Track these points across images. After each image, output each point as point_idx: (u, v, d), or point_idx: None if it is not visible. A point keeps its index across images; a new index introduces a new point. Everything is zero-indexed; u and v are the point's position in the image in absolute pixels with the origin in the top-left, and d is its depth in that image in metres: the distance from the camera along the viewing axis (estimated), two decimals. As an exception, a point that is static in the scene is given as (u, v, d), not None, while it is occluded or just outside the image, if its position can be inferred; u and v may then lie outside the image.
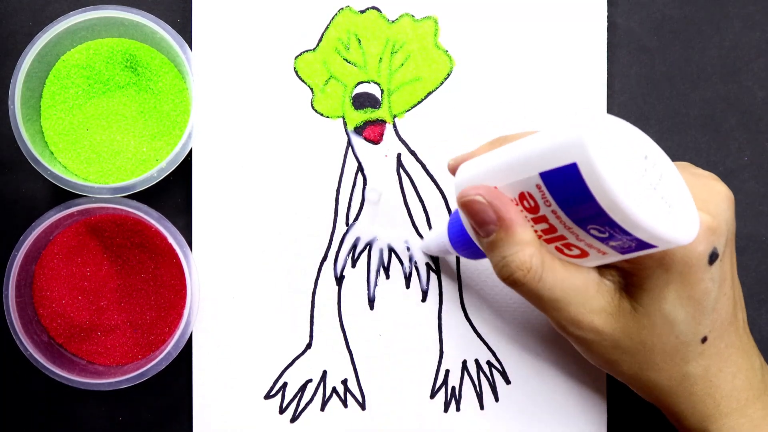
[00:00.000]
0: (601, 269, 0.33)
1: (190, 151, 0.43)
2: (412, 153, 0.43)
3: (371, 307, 0.43)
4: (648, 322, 0.33)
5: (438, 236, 0.40)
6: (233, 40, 0.43)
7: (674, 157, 0.44)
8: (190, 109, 0.43)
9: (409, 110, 0.43)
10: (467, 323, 0.43)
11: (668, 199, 0.29)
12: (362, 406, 0.43)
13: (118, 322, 0.43)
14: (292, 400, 0.43)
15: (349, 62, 0.43)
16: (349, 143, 0.43)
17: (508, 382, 0.43)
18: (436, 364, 0.43)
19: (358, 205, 0.43)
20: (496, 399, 0.43)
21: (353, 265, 0.43)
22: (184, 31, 0.44)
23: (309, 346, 0.43)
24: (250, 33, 0.43)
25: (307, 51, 0.43)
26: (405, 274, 0.43)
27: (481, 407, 0.43)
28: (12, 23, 0.44)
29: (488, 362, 0.43)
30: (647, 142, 0.30)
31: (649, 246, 0.29)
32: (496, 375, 0.43)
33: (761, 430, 0.35)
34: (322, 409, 0.43)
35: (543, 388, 0.42)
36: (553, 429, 0.42)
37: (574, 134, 0.27)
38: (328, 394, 0.43)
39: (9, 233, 0.43)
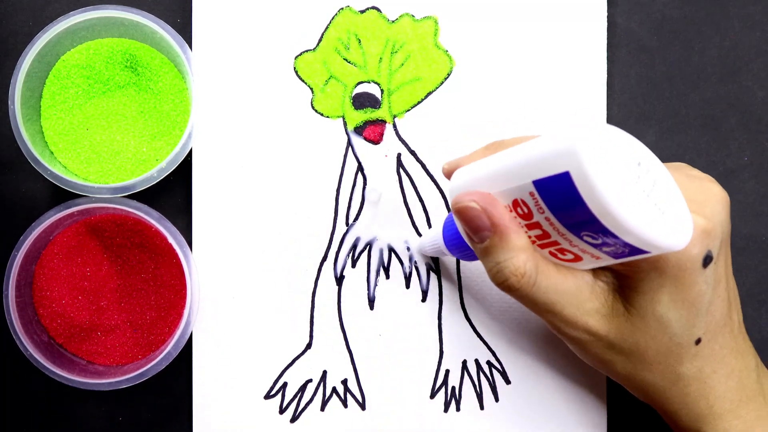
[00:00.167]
0: (595, 271, 0.33)
1: (190, 151, 0.43)
2: (412, 153, 0.43)
3: (371, 307, 0.43)
4: (641, 323, 0.33)
5: (433, 238, 0.40)
6: (233, 40, 0.43)
7: (674, 158, 0.44)
8: (190, 109, 0.43)
9: (409, 110, 0.43)
10: (467, 323, 0.43)
11: (661, 206, 0.29)
12: (362, 406, 0.43)
13: (118, 322, 0.43)
14: (292, 400, 0.43)
15: (349, 62, 0.43)
16: (349, 143, 0.43)
17: (508, 382, 0.43)
18: (436, 364, 0.43)
19: (358, 205, 0.43)
20: (496, 399, 0.43)
21: (353, 265, 0.43)
22: (184, 31, 0.44)
23: (309, 346, 0.43)
24: (250, 33, 0.43)
25: (307, 51, 0.43)
26: (405, 274, 0.43)
27: (481, 407, 0.43)
28: (12, 23, 0.44)
29: (488, 362, 0.43)
30: (641, 148, 0.30)
31: (642, 252, 0.29)
32: (496, 375, 0.43)
33: None
34: (322, 409, 0.43)
35: (543, 388, 0.42)
36: (553, 429, 0.42)
37: (567, 143, 0.27)
38: (328, 394, 0.43)
39: (9, 233, 0.43)
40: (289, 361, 0.43)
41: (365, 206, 0.43)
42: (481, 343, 0.43)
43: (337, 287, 0.43)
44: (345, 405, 0.43)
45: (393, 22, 0.43)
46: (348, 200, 0.43)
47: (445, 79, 0.43)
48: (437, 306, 0.43)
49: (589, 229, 0.28)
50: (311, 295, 0.43)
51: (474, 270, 0.43)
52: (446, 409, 0.43)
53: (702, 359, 0.34)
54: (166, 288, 0.43)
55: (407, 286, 0.43)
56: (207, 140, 0.43)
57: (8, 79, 0.43)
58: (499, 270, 0.31)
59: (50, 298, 0.42)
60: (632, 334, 0.33)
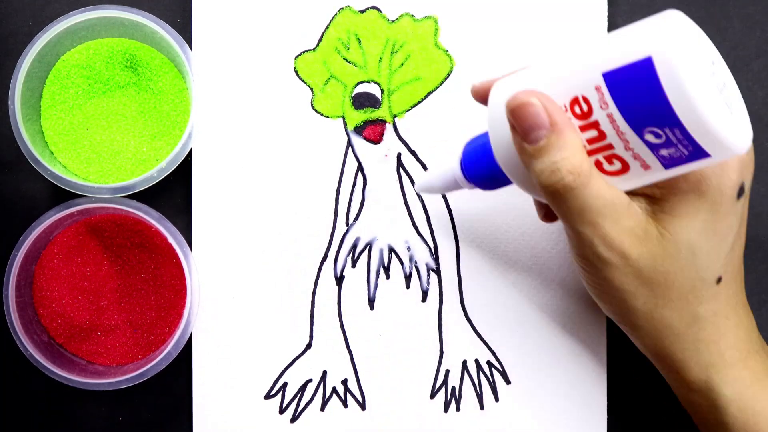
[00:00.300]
0: (630, 195, 0.33)
1: (190, 151, 0.43)
2: (412, 153, 0.43)
3: (371, 307, 0.43)
4: (674, 250, 0.33)
5: (446, 168, 0.37)
6: (233, 40, 0.43)
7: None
8: (190, 109, 0.43)
9: (409, 110, 0.43)
10: (467, 323, 0.43)
11: (730, 106, 0.28)
12: (362, 406, 0.43)
13: (118, 322, 0.43)
14: (292, 400, 0.43)
15: (349, 62, 0.43)
16: (349, 143, 0.43)
17: (508, 382, 0.43)
18: (436, 364, 0.43)
19: (358, 205, 0.43)
20: (496, 399, 0.43)
21: (353, 265, 0.43)
22: (184, 31, 0.44)
23: (309, 346, 0.43)
24: (250, 33, 0.43)
25: (307, 51, 0.43)
26: (405, 274, 0.43)
27: (481, 407, 0.43)
28: (12, 23, 0.44)
29: (488, 362, 0.43)
30: (713, 50, 0.29)
31: (701, 155, 0.28)
32: (496, 375, 0.43)
33: (762, 383, 0.35)
34: (322, 409, 0.43)
35: (543, 388, 0.42)
36: (553, 429, 0.42)
37: (651, 29, 0.27)
38: (328, 394, 0.43)
39: (9, 233, 0.43)
40: (289, 361, 0.43)
41: (365, 206, 0.43)
42: (481, 343, 0.43)
43: (337, 287, 0.43)
44: (345, 405, 0.43)
45: (393, 22, 0.43)
46: (348, 200, 0.43)
47: (445, 79, 0.43)
48: (437, 306, 0.43)
49: (657, 123, 0.28)
50: (311, 295, 0.43)
51: (474, 270, 0.43)
52: (446, 409, 0.43)
53: (719, 302, 0.34)
54: (166, 288, 0.43)
55: (407, 286, 0.43)
56: (207, 140, 0.43)
57: (8, 79, 0.43)
58: (555, 169, 0.31)
59: (50, 298, 0.42)
60: (663, 261, 0.33)
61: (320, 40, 0.43)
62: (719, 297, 0.34)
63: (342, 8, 0.43)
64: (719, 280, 0.34)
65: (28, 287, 0.42)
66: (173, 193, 0.44)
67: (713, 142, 0.28)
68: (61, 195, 0.43)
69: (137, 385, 0.41)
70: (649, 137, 0.28)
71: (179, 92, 0.43)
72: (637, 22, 0.29)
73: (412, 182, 0.43)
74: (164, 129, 0.43)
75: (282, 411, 0.43)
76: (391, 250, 0.43)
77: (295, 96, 0.43)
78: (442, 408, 0.43)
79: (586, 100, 0.29)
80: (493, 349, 0.43)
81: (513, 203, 0.43)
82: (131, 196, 0.42)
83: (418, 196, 0.43)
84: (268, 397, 0.43)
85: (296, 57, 0.43)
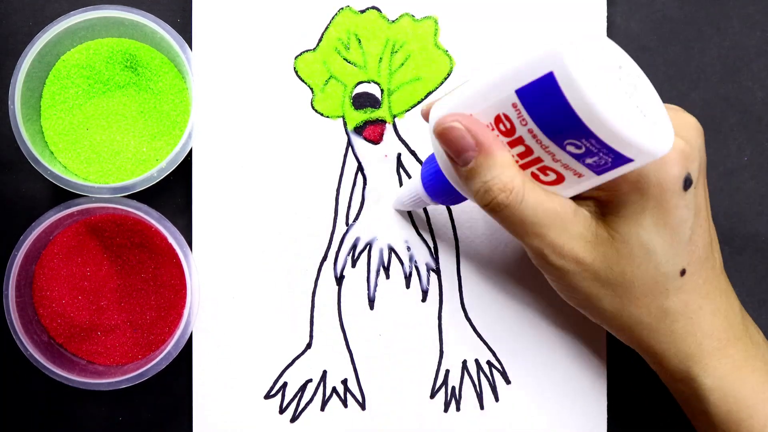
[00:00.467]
0: (577, 199, 0.33)
1: (190, 151, 0.43)
2: (412, 153, 0.43)
3: (371, 307, 0.43)
4: (626, 250, 0.33)
5: (412, 186, 0.39)
6: (233, 40, 0.43)
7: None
8: (190, 109, 0.43)
9: (409, 110, 0.43)
10: (467, 323, 0.43)
11: (643, 109, 0.29)
12: (362, 406, 0.43)
13: (118, 322, 0.43)
14: (292, 400, 0.43)
15: (349, 62, 0.43)
16: (349, 143, 0.43)
17: (508, 382, 0.43)
18: (436, 364, 0.43)
19: (358, 205, 0.43)
20: (496, 399, 0.43)
21: (353, 265, 0.43)
22: (184, 31, 0.44)
23: (309, 346, 0.43)
24: (250, 33, 0.43)
25: (307, 51, 0.43)
26: (405, 274, 0.43)
27: (481, 407, 0.43)
28: (12, 23, 0.44)
29: (488, 362, 0.43)
30: (621, 54, 0.30)
31: (624, 160, 0.29)
32: (496, 375, 0.43)
33: (743, 371, 0.35)
34: (322, 409, 0.43)
35: (543, 388, 0.42)
36: (553, 429, 0.42)
37: (550, 46, 0.27)
38: (328, 394, 0.43)
39: (9, 233, 0.43)
40: (289, 361, 0.43)
41: (365, 206, 0.43)
42: (481, 343, 0.43)
43: (337, 287, 0.43)
44: (345, 405, 0.43)
45: (393, 22, 0.43)
46: (348, 200, 0.43)
47: (445, 79, 0.43)
48: (437, 306, 0.43)
49: (572, 135, 0.28)
50: (311, 295, 0.43)
51: (474, 270, 0.43)
52: (446, 409, 0.43)
53: (687, 293, 0.34)
54: (166, 288, 0.43)
55: (407, 286, 0.43)
56: (207, 140, 0.43)
57: (8, 79, 0.43)
58: (487, 189, 0.31)
59: (50, 298, 0.42)
60: (618, 262, 0.33)
61: (320, 40, 0.43)
62: (686, 288, 0.34)
63: (342, 8, 0.43)
64: (683, 272, 0.33)
65: (28, 287, 0.42)
66: (173, 193, 0.44)
67: (629, 148, 0.28)
68: (61, 195, 0.43)
69: (137, 385, 0.41)
70: (571, 148, 0.29)
71: (179, 92, 0.43)
72: (547, 38, 0.30)
73: (412, 182, 0.43)
74: (164, 129, 0.43)
75: (282, 411, 0.43)
76: (391, 250, 0.43)
77: (295, 96, 0.43)
78: (442, 408, 0.43)
79: (507, 117, 0.30)
80: (493, 349, 0.43)
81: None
82: (131, 196, 0.42)
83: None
84: (268, 397, 0.43)
85: (296, 57, 0.43)
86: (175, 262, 0.42)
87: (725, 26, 0.44)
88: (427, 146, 0.43)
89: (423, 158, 0.43)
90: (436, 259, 0.43)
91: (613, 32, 0.44)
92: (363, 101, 0.43)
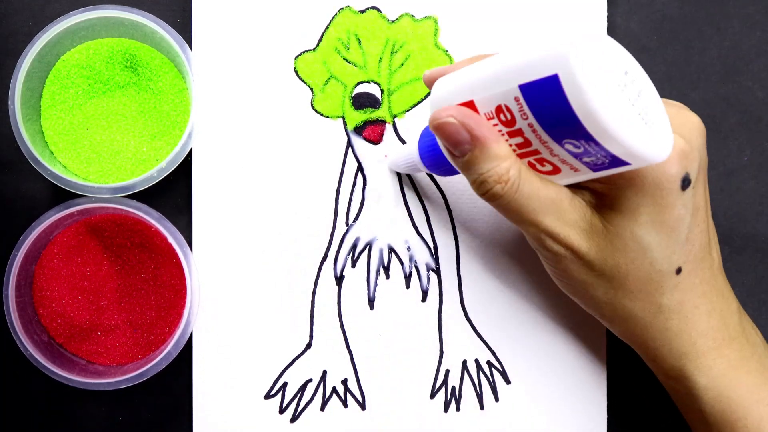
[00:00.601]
0: (573, 188, 0.33)
1: (190, 151, 0.43)
2: (412, 153, 0.43)
3: (371, 307, 0.43)
4: (621, 244, 0.33)
5: (408, 152, 0.39)
6: (233, 40, 0.43)
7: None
8: (190, 109, 0.43)
9: (409, 110, 0.43)
10: (467, 323, 0.43)
11: (645, 116, 0.29)
12: (362, 406, 0.43)
13: (118, 322, 0.43)
14: (292, 400, 0.43)
15: (349, 62, 0.43)
16: (349, 143, 0.43)
17: (508, 382, 0.43)
18: (436, 364, 0.43)
19: (358, 205, 0.43)
20: (496, 399, 0.43)
21: (353, 265, 0.43)
22: (184, 31, 0.44)
23: (309, 346, 0.43)
24: (250, 33, 0.43)
25: (307, 51, 0.43)
26: (405, 274, 0.43)
27: (481, 407, 0.43)
28: (12, 23, 0.44)
29: (488, 362, 0.43)
30: (629, 58, 0.30)
31: (621, 163, 0.29)
32: (496, 375, 0.43)
33: (738, 372, 0.35)
34: (322, 409, 0.43)
35: (543, 388, 0.42)
36: (553, 429, 0.42)
37: (558, 47, 0.27)
38: (328, 394, 0.43)
39: (9, 233, 0.43)
40: (289, 361, 0.43)
41: (365, 206, 0.43)
42: (481, 343, 0.43)
43: (337, 287, 0.43)
44: (345, 405, 0.43)
45: (393, 22, 0.43)
46: (348, 200, 0.43)
47: (445, 79, 0.43)
48: (437, 306, 0.43)
49: (571, 136, 0.28)
50: (311, 295, 0.43)
51: (474, 270, 0.43)
52: (446, 409, 0.43)
53: (683, 292, 0.34)
54: (166, 288, 0.43)
55: (407, 286, 0.43)
56: (207, 140, 0.43)
57: (8, 79, 0.43)
58: (483, 180, 0.32)
59: (50, 298, 0.42)
60: (612, 254, 0.33)
61: (320, 40, 0.43)
62: (682, 287, 0.34)
63: (342, 8, 0.43)
64: (679, 270, 0.33)
65: (28, 287, 0.42)
66: (173, 193, 0.44)
67: (627, 154, 0.28)
68: (61, 195, 0.43)
69: (137, 385, 0.41)
70: (569, 147, 0.29)
71: (179, 92, 0.43)
72: (554, 35, 0.30)
73: (412, 182, 0.43)
74: (164, 129, 0.43)
75: (282, 411, 0.43)
76: (391, 250, 0.43)
77: (295, 96, 0.43)
78: (442, 408, 0.43)
79: (508, 108, 0.30)
80: (493, 349, 0.43)
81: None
82: (131, 196, 0.42)
83: (418, 196, 0.43)
84: (268, 397, 0.43)
85: (296, 57, 0.43)
86: (175, 262, 0.42)
87: (725, 26, 0.44)
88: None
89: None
90: (436, 259, 0.43)
91: (613, 32, 0.44)
92: (363, 101, 0.43)
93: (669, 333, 0.35)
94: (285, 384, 0.43)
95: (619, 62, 0.29)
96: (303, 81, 0.43)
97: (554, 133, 0.29)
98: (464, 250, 0.43)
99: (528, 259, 0.43)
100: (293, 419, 0.43)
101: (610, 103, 0.27)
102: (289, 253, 0.43)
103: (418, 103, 0.43)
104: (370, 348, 0.43)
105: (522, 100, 0.29)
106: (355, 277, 0.43)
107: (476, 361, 0.43)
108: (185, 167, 0.43)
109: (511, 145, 0.31)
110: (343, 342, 0.43)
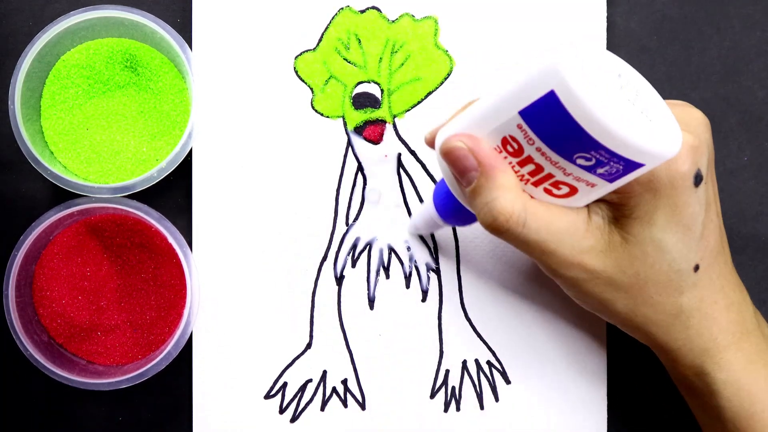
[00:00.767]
0: (589, 208, 0.33)
1: (190, 151, 0.43)
2: (412, 153, 0.43)
3: (371, 307, 0.43)
4: (640, 252, 0.33)
5: (425, 209, 0.39)
6: (233, 40, 0.43)
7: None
8: (190, 109, 0.43)
9: (409, 110, 0.43)
10: (467, 323, 0.43)
11: (648, 114, 0.29)
12: (362, 406, 0.43)
13: (118, 322, 0.43)
14: (292, 400, 0.43)
15: (349, 62, 0.43)
16: (349, 143, 0.43)
17: (508, 382, 0.43)
18: (436, 364, 0.43)
19: (358, 205, 0.43)
20: (496, 399, 0.43)
21: (353, 265, 0.43)
22: (184, 31, 0.44)
23: (309, 346, 0.43)
24: (250, 33, 0.43)
25: (307, 51, 0.43)
26: (405, 274, 0.43)
27: (481, 407, 0.43)
28: (12, 23, 0.44)
29: (488, 362, 0.43)
30: (618, 61, 0.30)
31: (635, 166, 0.29)
32: (496, 375, 0.43)
33: (756, 365, 0.35)
34: (322, 409, 0.43)
35: (543, 388, 0.42)
36: (553, 429, 0.42)
37: (546, 64, 0.27)
38: (328, 394, 0.43)
39: (9, 233, 0.43)
40: (289, 361, 0.43)
41: (365, 206, 0.43)
42: (481, 343, 0.43)
43: (337, 287, 0.43)
44: (345, 405, 0.43)
45: (393, 22, 0.43)
46: (348, 200, 0.43)
47: (445, 79, 0.43)
48: (437, 306, 0.43)
49: (581, 149, 0.28)
50: (311, 295, 0.43)
51: (474, 270, 0.43)
52: (446, 409, 0.43)
53: (702, 288, 0.34)
54: (166, 288, 0.43)
55: (407, 286, 0.43)
56: (207, 140, 0.43)
57: (8, 79, 0.43)
58: (487, 211, 0.31)
59: (50, 298, 0.42)
60: (631, 264, 0.33)
61: (320, 40, 0.43)
62: (701, 284, 0.34)
63: (342, 8, 0.43)
64: (696, 267, 0.34)
65: (28, 287, 0.42)
66: (173, 193, 0.44)
67: (639, 154, 0.28)
68: (61, 195, 0.43)
69: (137, 385, 0.41)
70: (581, 161, 0.29)
71: (179, 92, 0.43)
72: (541, 53, 0.30)
73: (412, 182, 0.43)
74: (164, 129, 0.43)
75: (282, 411, 0.43)
76: (391, 250, 0.43)
77: (295, 96, 0.43)
78: (442, 408, 0.43)
79: (513, 138, 0.30)
80: (493, 349, 0.43)
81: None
82: (131, 196, 0.42)
83: (418, 196, 0.43)
84: (268, 397, 0.43)
85: (296, 57, 0.43)
86: (175, 262, 0.42)
87: (725, 26, 0.44)
88: (427, 147, 0.43)
89: (423, 158, 0.43)
90: (436, 259, 0.43)
91: (613, 32, 0.44)
92: (363, 101, 0.43)
93: (690, 332, 0.35)
94: (285, 384, 0.43)
95: (610, 66, 0.29)
96: (303, 81, 0.43)
97: (563, 150, 0.29)
98: (464, 250, 0.43)
99: (528, 259, 0.43)
100: (293, 419, 0.43)
101: (610, 106, 0.27)
102: (289, 253, 0.43)
103: (418, 103, 0.43)
104: (370, 348, 0.43)
105: (525, 126, 0.29)
106: (355, 277, 0.43)
107: (476, 361, 0.43)
108: (185, 167, 0.43)
109: (523, 176, 0.31)
110: (343, 342, 0.43)
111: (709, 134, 0.34)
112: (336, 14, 0.43)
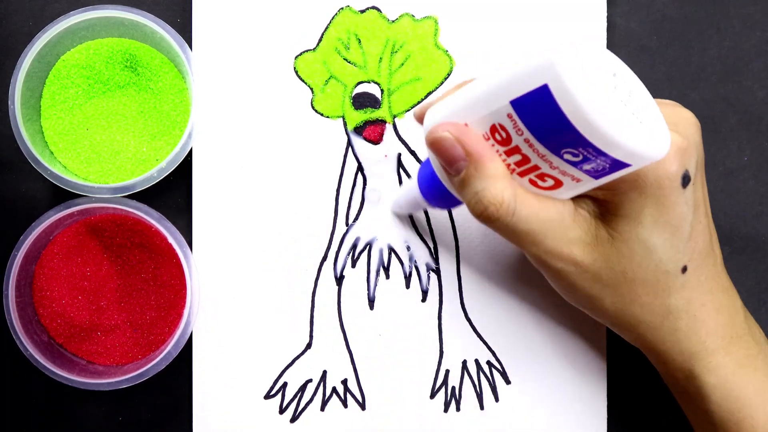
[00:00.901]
0: (576, 200, 0.33)
1: (190, 151, 0.43)
2: (412, 153, 0.43)
3: (371, 307, 0.43)
4: (627, 250, 0.33)
5: (408, 190, 0.39)
6: (233, 40, 0.43)
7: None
8: (190, 109, 0.43)
9: (409, 110, 0.43)
10: (467, 323, 0.43)
11: (639, 115, 0.29)
12: (362, 406, 0.43)
13: (118, 322, 0.43)
14: (292, 400, 0.43)
15: (349, 62, 0.43)
16: (349, 143, 0.43)
17: (508, 382, 0.43)
18: (436, 364, 0.43)
19: (358, 205, 0.43)
20: (496, 399, 0.43)
21: (353, 265, 0.43)
22: (184, 31, 0.44)
23: (309, 346, 0.43)
24: (250, 33, 0.43)
25: (307, 51, 0.43)
26: (405, 274, 0.43)
27: (481, 407, 0.43)
28: (12, 23, 0.44)
29: (488, 362, 0.43)
30: (615, 60, 0.30)
31: (622, 165, 0.29)
32: (496, 375, 0.43)
33: (746, 369, 0.35)
34: (322, 409, 0.43)
35: (543, 388, 0.42)
36: (553, 429, 0.42)
37: (544, 58, 0.27)
38: (328, 394, 0.43)
39: (9, 233, 0.43)
40: (289, 361, 0.43)
41: (365, 206, 0.43)
42: (481, 343, 0.43)
43: (337, 287, 0.43)
44: (345, 405, 0.43)
45: (393, 22, 0.43)
46: (348, 200, 0.43)
47: (445, 79, 0.43)
48: (437, 306, 0.43)
49: (569, 144, 0.28)
50: (311, 295, 0.43)
51: (474, 270, 0.43)
52: (446, 409, 0.43)
53: (690, 290, 0.34)
54: (166, 288, 0.43)
55: (407, 286, 0.43)
56: (207, 140, 0.43)
57: (8, 79, 0.43)
58: (477, 200, 0.31)
59: (50, 298, 0.42)
60: (618, 261, 0.33)
61: (320, 40, 0.43)
62: (689, 285, 0.34)
63: (342, 8, 0.43)
64: (684, 269, 0.33)
65: (28, 287, 0.42)
66: (173, 193, 0.44)
67: (626, 154, 0.28)
68: (61, 195, 0.43)
69: (137, 385, 0.41)
70: (568, 156, 0.29)
71: (179, 92, 0.43)
72: (539, 46, 0.29)
73: (412, 182, 0.43)
74: (164, 129, 0.43)
75: (282, 411, 0.43)
76: (391, 250, 0.43)
77: (295, 96, 0.43)
78: (442, 408, 0.43)
79: (502, 127, 0.30)
80: (493, 349, 0.43)
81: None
82: (131, 196, 0.42)
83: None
84: (268, 397, 0.43)
85: (296, 57, 0.43)
86: (175, 262, 0.42)
87: (725, 26, 0.44)
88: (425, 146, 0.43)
89: (423, 158, 0.43)
90: (436, 259, 0.43)
91: (613, 32, 0.44)
92: (363, 101, 0.43)
93: (678, 334, 0.34)
94: (285, 384, 0.43)
95: (607, 65, 0.29)
96: (303, 81, 0.43)
97: (551, 144, 0.29)
98: (464, 250, 0.43)
99: (528, 260, 0.43)
100: (293, 419, 0.43)
101: (602, 106, 0.27)
102: (289, 253, 0.43)
103: (418, 103, 0.43)
104: (370, 348, 0.43)
105: (515, 116, 0.29)
106: (355, 277, 0.43)
107: (476, 361, 0.43)
108: (185, 167, 0.43)
109: (509, 165, 0.31)
110: (343, 342, 0.43)
111: (698, 135, 0.33)
112: (336, 14, 0.43)
